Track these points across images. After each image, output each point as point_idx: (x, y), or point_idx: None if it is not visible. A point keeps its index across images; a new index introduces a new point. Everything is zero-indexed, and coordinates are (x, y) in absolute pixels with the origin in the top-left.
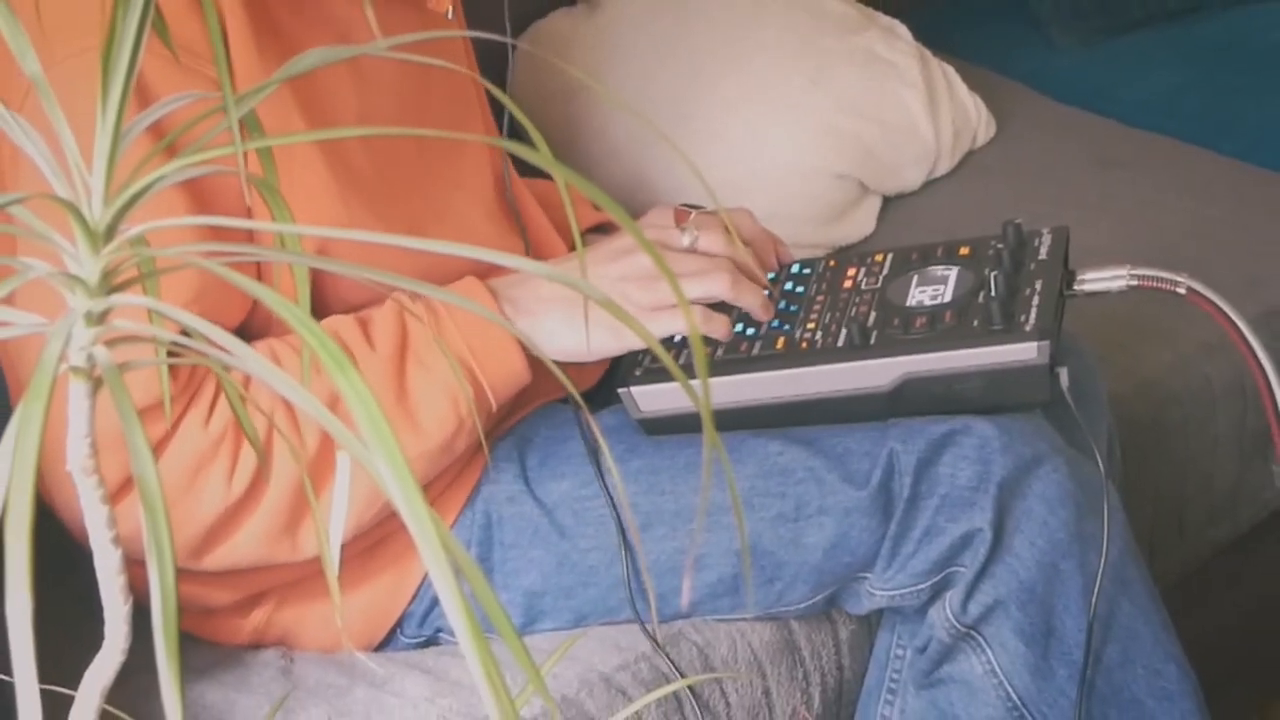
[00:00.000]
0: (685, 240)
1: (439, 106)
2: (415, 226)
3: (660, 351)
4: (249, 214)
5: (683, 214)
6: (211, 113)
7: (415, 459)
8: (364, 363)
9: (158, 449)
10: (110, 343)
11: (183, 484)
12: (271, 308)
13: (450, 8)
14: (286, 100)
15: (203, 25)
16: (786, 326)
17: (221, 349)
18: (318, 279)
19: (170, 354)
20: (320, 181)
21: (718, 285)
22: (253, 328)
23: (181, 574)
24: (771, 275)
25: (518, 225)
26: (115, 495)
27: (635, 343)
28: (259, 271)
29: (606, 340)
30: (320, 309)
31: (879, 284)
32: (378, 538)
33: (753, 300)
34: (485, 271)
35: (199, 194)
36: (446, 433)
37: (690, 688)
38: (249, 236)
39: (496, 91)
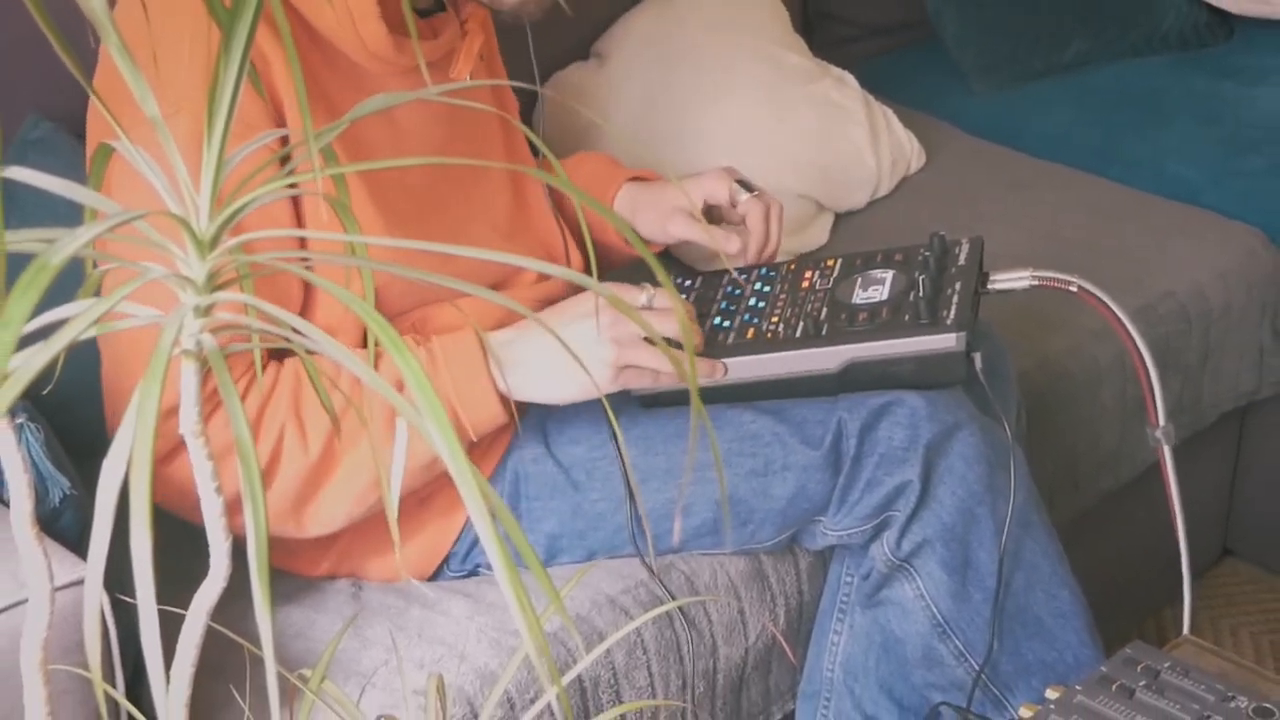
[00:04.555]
0: (642, 299)
1: (460, 151)
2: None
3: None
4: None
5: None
6: (295, 146)
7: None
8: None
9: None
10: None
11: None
12: (348, 304)
13: (468, 75)
14: (339, 154)
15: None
16: (756, 320)
17: (304, 335)
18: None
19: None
20: (370, 216)
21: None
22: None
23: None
24: (744, 274)
25: (533, 242)
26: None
27: (603, 389)
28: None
29: (573, 392)
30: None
31: (830, 284)
32: (428, 492)
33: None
34: (502, 281)
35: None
36: (428, 456)
37: (680, 608)
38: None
39: (531, 134)
